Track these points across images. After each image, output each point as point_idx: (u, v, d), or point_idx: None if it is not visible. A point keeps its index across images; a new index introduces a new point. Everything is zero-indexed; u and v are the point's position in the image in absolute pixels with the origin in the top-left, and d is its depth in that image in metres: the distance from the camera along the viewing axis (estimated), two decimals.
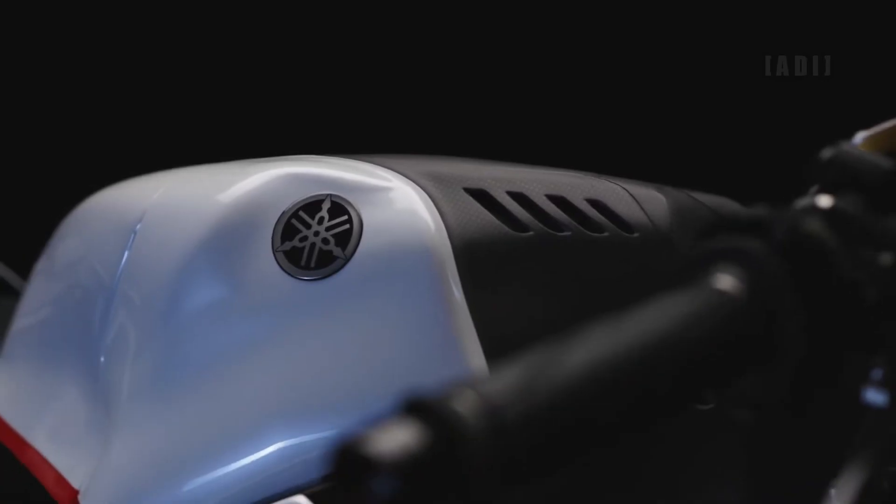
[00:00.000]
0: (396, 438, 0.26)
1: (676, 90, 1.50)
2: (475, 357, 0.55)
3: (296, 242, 0.59)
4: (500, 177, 0.63)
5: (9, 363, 0.89)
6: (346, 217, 0.59)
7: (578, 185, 0.63)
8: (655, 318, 0.29)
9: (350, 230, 0.58)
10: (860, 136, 0.49)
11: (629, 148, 1.46)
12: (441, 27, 1.54)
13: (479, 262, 0.57)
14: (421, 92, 1.55)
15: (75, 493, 0.69)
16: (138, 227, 0.67)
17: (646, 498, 0.58)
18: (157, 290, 0.63)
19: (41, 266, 0.88)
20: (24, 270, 1.30)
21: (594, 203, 0.62)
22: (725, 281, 0.32)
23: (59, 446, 0.74)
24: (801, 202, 0.35)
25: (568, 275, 0.59)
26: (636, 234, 0.61)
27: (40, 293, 0.86)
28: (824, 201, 0.34)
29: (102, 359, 0.69)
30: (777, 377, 0.31)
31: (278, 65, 1.62)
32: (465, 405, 0.26)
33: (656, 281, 0.61)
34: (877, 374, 0.35)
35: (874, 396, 0.35)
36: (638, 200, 0.63)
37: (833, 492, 0.51)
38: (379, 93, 1.57)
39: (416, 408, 0.26)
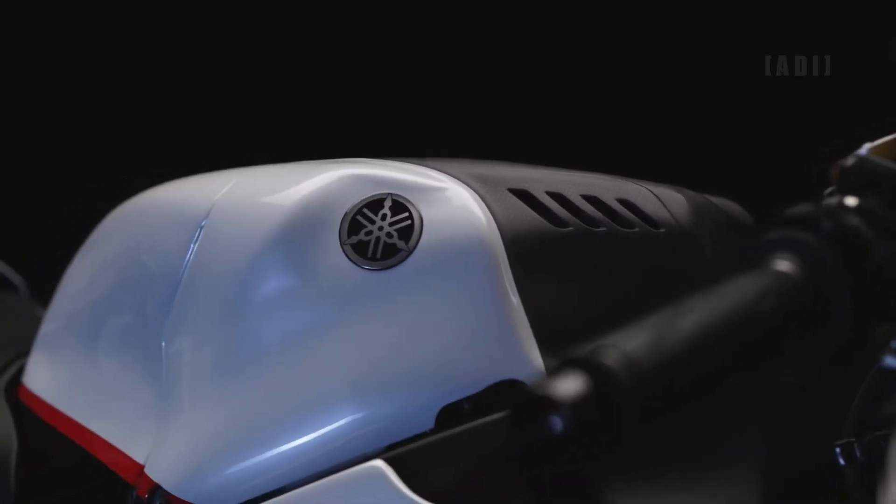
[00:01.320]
0: (565, 386, 0.37)
1: (677, 90, 1.59)
2: (528, 340, 0.67)
3: (361, 236, 0.70)
4: (539, 178, 0.74)
5: (47, 352, 0.98)
6: (406, 214, 0.70)
7: (609, 186, 0.75)
8: (736, 292, 0.41)
9: (411, 225, 0.69)
10: (866, 147, 0.61)
11: (632, 147, 1.57)
12: (465, 40, 1.66)
13: (525, 255, 0.69)
14: (439, 99, 1.67)
15: (140, 467, 0.79)
16: (204, 222, 0.77)
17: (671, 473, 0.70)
18: (228, 279, 0.74)
19: (80, 260, 0.97)
20: (18, 266, 1.39)
21: (624, 202, 0.74)
22: (785, 265, 0.43)
23: (115, 427, 0.83)
24: (830, 201, 0.46)
25: (604, 266, 0.70)
26: (662, 230, 0.73)
27: (81, 285, 0.96)
28: (851, 201, 0.46)
29: (163, 343, 0.80)
30: (828, 342, 0.42)
31: (294, 71, 1.73)
32: (613, 361, 0.38)
33: (682, 272, 0.72)
34: (895, 343, 0.46)
35: (894, 362, 0.46)
36: (661, 200, 0.75)
37: (838, 450, 0.63)
38: (399, 99, 1.68)
39: (577, 363, 0.38)
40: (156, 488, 0.76)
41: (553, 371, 0.37)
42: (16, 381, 1.05)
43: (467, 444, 0.62)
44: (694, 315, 0.39)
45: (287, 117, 1.75)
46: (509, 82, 1.64)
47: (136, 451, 0.80)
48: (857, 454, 0.64)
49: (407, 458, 0.63)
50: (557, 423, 0.36)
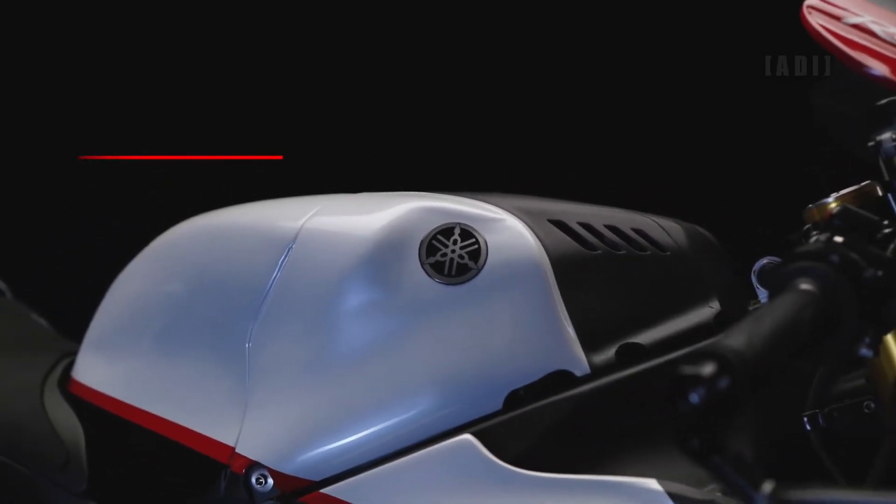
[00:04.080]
0: (699, 370, 0.61)
1: (676, 90, 1.77)
2: (572, 339, 0.92)
3: (438, 257, 0.94)
4: (569, 211, 0.99)
5: (105, 351, 1.15)
6: (474, 240, 0.94)
7: (624, 217, 1.00)
8: (788, 305, 0.66)
9: (478, 249, 0.94)
10: (833, 196, 0.88)
11: (631, 150, 1.77)
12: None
13: (566, 273, 0.94)
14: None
15: (231, 448, 1.00)
16: (293, 245, 0.99)
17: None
18: (320, 292, 0.96)
19: (139, 268, 1.14)
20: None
21: (637, 231, 0.99)
22: (809, 286, 0.68)
23: (199, 416, 1.02)
24: (821, 239, 0.71)
25: (625, 281, 0.96)
26: (668, 253, 0.99)
27: (144, 291, 1.12)
28: (841, 239, 0.71)
29: (248, 344, 1.01)
30: (842, 342, 0.68)
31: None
32: (728, 353, 0.61)
33: (684, 286, 0.98)
34: (867, 340, 0.72)
35: (865, 352, 0.72)
36: (664, 228, 1.01)
37: (805, 419, 0.90)
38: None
39: (704, 355, 0.61)
40: (252, 464, 0.97)
41: (684, 361, 0.62)
42: (61, 378, 1.23)
43: (543, 418, 0.87)
44: (767, 321, 0.64)
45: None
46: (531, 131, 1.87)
47: (225, 435, 1.00)
48: (821, 421, 0.92)
49: (490, 431, 0.87)
50: (695, 396, 0.61)
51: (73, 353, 1.24)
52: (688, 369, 0.61)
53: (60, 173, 1.92)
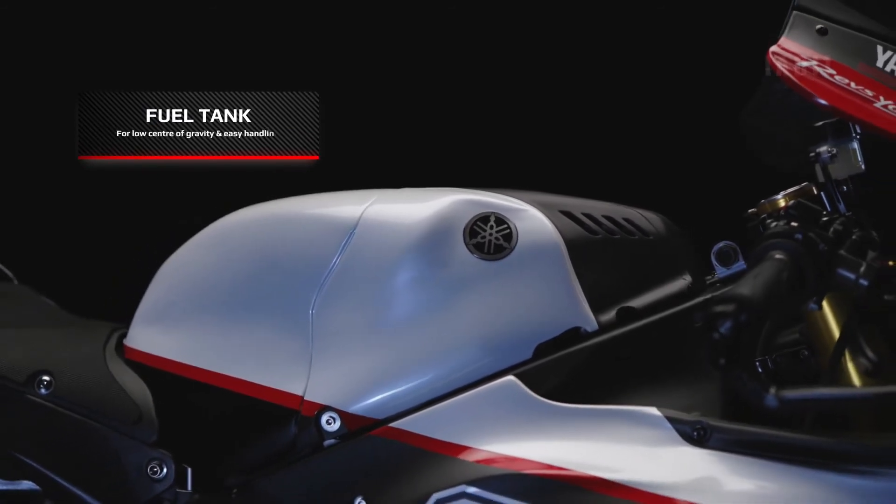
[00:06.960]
0: (727, 307, 0.89)
1: (676, 90, 1.95)
2: (584, 303, 1.20)
3: (479, 239, 1.20)
4: (575, 203, 1.27)
5: (164, 320, 1.35)
6: (506, 226, 1.21)
7: (617, 210, 1.29)
8: (770, 269, 0.94)
9: (510, 233, 1.21)
10: (781, 193, 1.17)
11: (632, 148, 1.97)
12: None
13: (576, 252, 1.22)
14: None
15: (299, 397, 1.23)
16: (355, 229, 1.24)
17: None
18: (381, 268, 1.21)
19: (196, 249, 1.35)
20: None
21: (627, 220, 1.29)
22: (782, 256, 0.97)
23: (266, 371, 1.25)
24: (780, 223, 1.00)
25: (621, 258, 1.25)
26: (651, 237, 1.29)
27: (206, 268, 1.33)
28: (794, 223, 1.00)
29: (312, 311, 1.25)
30: (807, 295, 0.97)
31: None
32: (744, 296, 0.90)
33: (662, 263, 1.27)
34: (814, 298, 1.01)
35: (813, 306, 1.01)
36: (646, 218, 1.30)
37: (757, 363, 1.19)
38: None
39: (728, 298, 0.90)
40: (322, 408, 1.21)
41: (713, 302, 0.89)
42: (117, 347, 1.41)
43: (567, 363, 1.16)
44: (761, 278, 0.92)
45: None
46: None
47: (293, 386, 1.24)
48: (769, 365, 1.21)
49: (527, 373, 1.15)
50: (724, 328, 0.88)
51: (122, 327, 1.43)
52: (718, 308, 0.88)
53: (60, 173, 2.04)
